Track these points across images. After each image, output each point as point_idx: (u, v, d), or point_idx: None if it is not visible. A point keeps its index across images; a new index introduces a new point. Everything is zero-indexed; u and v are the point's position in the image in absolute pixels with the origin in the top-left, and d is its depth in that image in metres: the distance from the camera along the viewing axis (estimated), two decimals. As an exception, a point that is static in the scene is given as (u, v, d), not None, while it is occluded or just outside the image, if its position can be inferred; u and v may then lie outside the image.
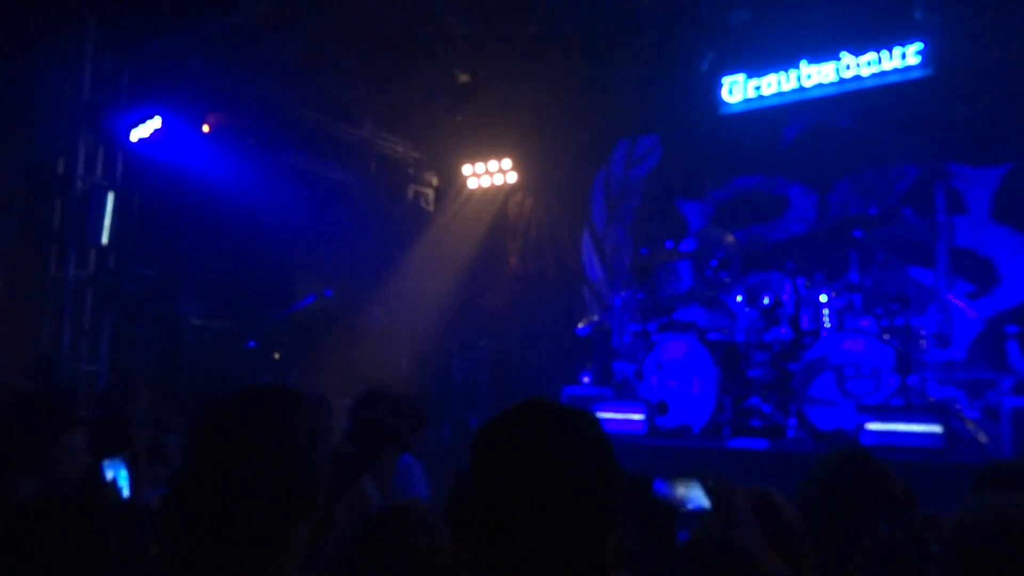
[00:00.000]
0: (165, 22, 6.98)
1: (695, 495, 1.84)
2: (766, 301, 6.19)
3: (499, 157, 9.52)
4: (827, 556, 2.32)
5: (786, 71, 7.64)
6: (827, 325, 5.94)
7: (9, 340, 6.08)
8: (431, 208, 10.18)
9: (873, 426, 5.02)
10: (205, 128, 7.35)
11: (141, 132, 6.80)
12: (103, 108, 6.85)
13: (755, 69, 7.79)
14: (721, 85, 7.94)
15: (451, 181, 9.96)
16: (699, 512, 1.81)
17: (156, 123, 6.82)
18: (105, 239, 6.54)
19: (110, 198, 6.62)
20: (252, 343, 7.47)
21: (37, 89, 6.69)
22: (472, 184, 9.76)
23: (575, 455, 1.12)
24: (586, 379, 7.30)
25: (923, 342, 5.59)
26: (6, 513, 1.56)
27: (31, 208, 6.52)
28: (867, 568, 1.70)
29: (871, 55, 7.23)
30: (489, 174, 9.65)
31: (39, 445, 2.12)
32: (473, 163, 9.71)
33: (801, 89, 7.59)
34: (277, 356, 7.93)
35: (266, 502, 1.21)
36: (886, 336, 5.54)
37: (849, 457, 2.57)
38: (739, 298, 6.28)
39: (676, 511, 1.81)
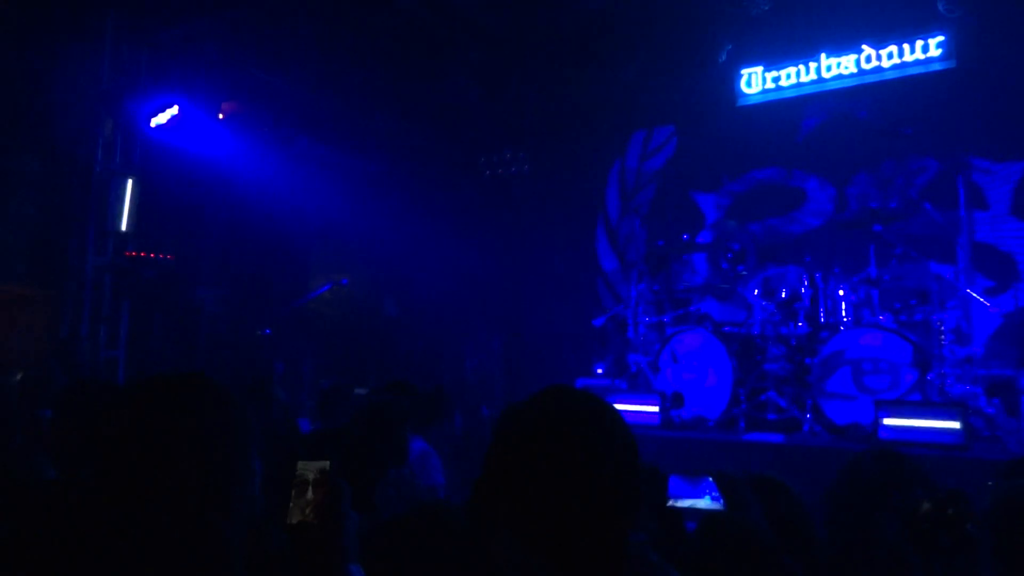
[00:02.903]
0: (182, 10, 6.98)
1: (709, 492, 1.87)
2: (783, 294, 6.16)
3: (514, 147, 9.48)
4: (853, 534, 2.34)
5: (805, 63, 7.58)
6: (845, 319, 5.91)
7: (29, 326, 6.13)
8: (446, 197, 10.16)
9: (890, 421, 4.99)
10: (220, 115, 7.36)
11: (159, 119, 6.82)
12: (121, 95, 6.87)
13: (774, 61, 7.73)
14: (739, 76, 7.88)
15: (467, 170, 9.93)
16: (713, 510, 1.84)
17: (174, 110, 6.83)
18: (124, 226, 6.58)
19: (129, 185, 6.65)
20: (268, 331, 7.51)
21: (56, 76, 6.71)
22: (487, 174, 9.72)
23: (597, 440, 1.14)
24: (600, 370, 7.30)
25: (942, 338, 5.54)
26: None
27: (50, 194, 6.56)
28: (892, 541, 1.72)
29: (892, 47, 7.15)
30: (504, 164, 9.61)
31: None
32: (488, 153, 9.67)
33: (820, 80, 7.53)
34: (292, 343, 7.97)
35: (173, 494, 1.16)
36: (904, 331, 5.50)
37: (878, 455, 2.59)
38: (755, 291, 6.25)
39: (689, 508, 1.85)
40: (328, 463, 1.36)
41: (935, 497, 1.71)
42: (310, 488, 1.34)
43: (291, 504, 1.33)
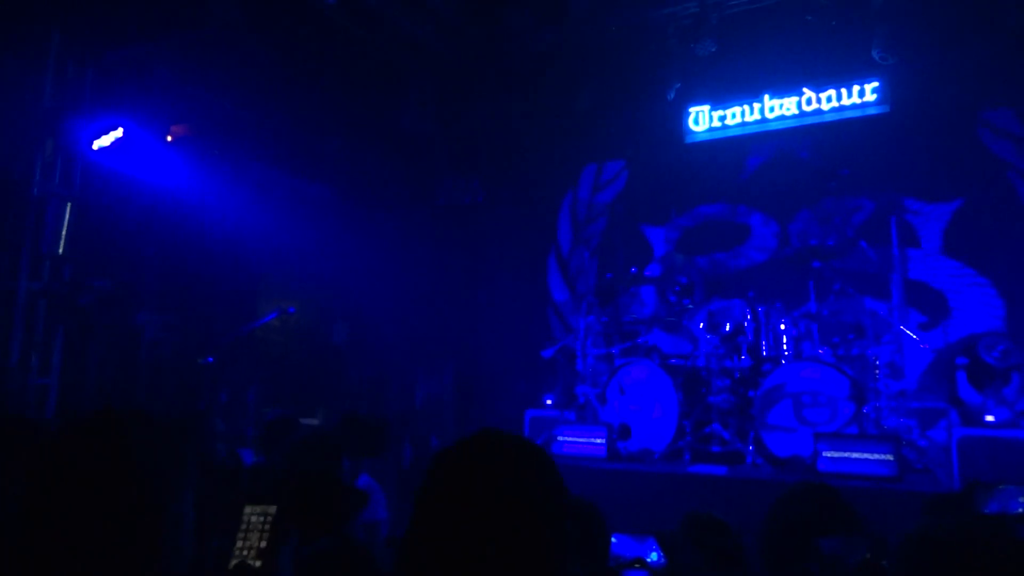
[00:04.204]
0: (132, 30, 6.88)
1: (654, 548, 1.94)
2: (727, 328, 6.31)
3: (468, 176, 9.56)
4: (785, 569, 2.41)
5: (750, 103, 7.87)
6: (786, 353, 6.08)
7: (-45, 351, 5.87)
8: (399, 225, 10.15)
9: (829, 454, 5.14)
10: (168, 138, 7.24)
11: (102, 141, 6.67)
12: (63, 115, 6.69)
13: (720, 100, 8.00)
14: (687, 114, 8.13)
15: (420, 198, 9.96)
16: (658, 567, 1.92)
17: (118, 133, 6.69)
18: (60, 249, 6.38)
19: (68, 207, 6.46)
20: (210, 359, 7.33)
21: (-6, 93, 6.52)
22: (440, 202, 9.77)
23: (526, 484, 1.16)
24: (549, 401, 7.33)
25: (877, 372, 5.75)
26: None
27: (-17, 215, 6.33)
28: None
29: (831, 91, 7.50)
30: (458, 192, 9.68)
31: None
32: (442, 181, 9.73)
33: (764, 120, 7.83)
34: (235, 372, 7.80)
35: (99, 537, 1.14)
36: (842, 365, 5.69)
37: (808, 489, 2.68)
38: (701, 324, 6.39)
39: (634, 564, 1.91)
40: (275, 507, 1.34)
41: (856, 542, 1.78)
42: (255, 532, 1.31)
43: (235, 545, 1.30)
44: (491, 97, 8.84)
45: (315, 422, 7.78)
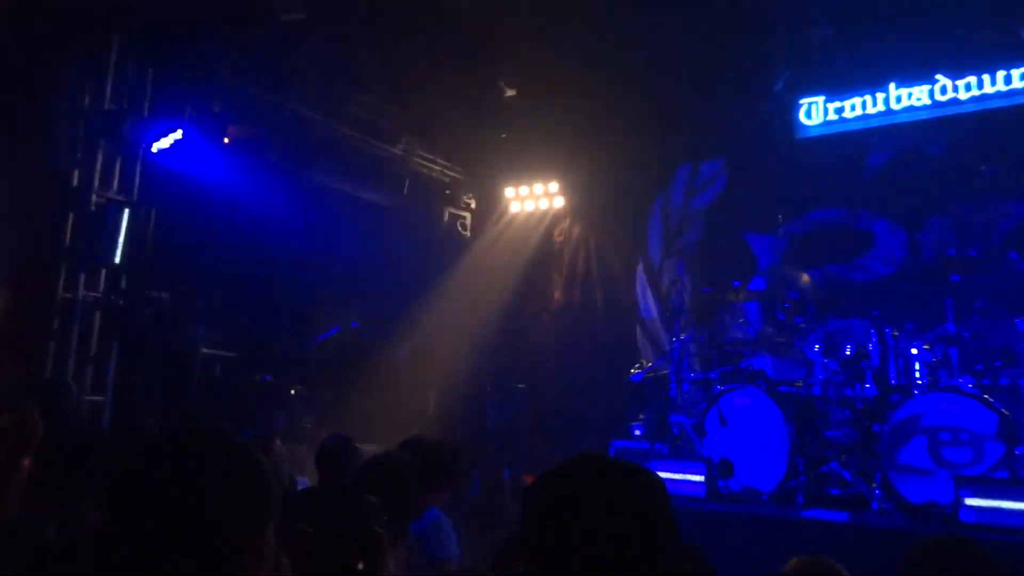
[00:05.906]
0: (193, 30, 7.21)
1: None
2: (847, 351, 6.06)
3: (545, 179, 9.58)
4: None
5: (872, 93, 7.61)
6: (919, 381, 5.79)
7: (11, 364, 6.21)
8: (468, 233, 10.25)
9: (973, 502, 4.82)
10: (225, 140, 7.51)
11: (162, 144, 6.99)
12: (123, 119, 7.04)
13: (837, 90, 7.76)
14: (798, 107, 7.92)
15: (491, 204, 10.03)
16: None
17: (177, 135, 7.00)
18: (117, 258, 6.69)
19: (125, 215, 6.77)
20: (267, 377, 7.54)
21: (54, 96, 6.91)
22: (515, 208, 9.81)
23: (629, 515, 1.20)
24: (638, 432, 7.20)
25: (1033, 405, 5.39)
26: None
27: (42, 223, 6.70)
28: None
29: (971, 78, 7.16)
30: (534, 198, 9.71)
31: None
32: (516, 185, 9.78)
33: (889, 112, 7.55)
34: (293, 392, 7.99)
35: (176, 554, 1.18)
36: (988, 397, 5.36)
37: (948, 545, 2.49)
38: (816, 347, 6.15)
39: None
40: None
41: None
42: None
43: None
44: (572, 92, 8.81)
45: (373, 448, 7.86)
